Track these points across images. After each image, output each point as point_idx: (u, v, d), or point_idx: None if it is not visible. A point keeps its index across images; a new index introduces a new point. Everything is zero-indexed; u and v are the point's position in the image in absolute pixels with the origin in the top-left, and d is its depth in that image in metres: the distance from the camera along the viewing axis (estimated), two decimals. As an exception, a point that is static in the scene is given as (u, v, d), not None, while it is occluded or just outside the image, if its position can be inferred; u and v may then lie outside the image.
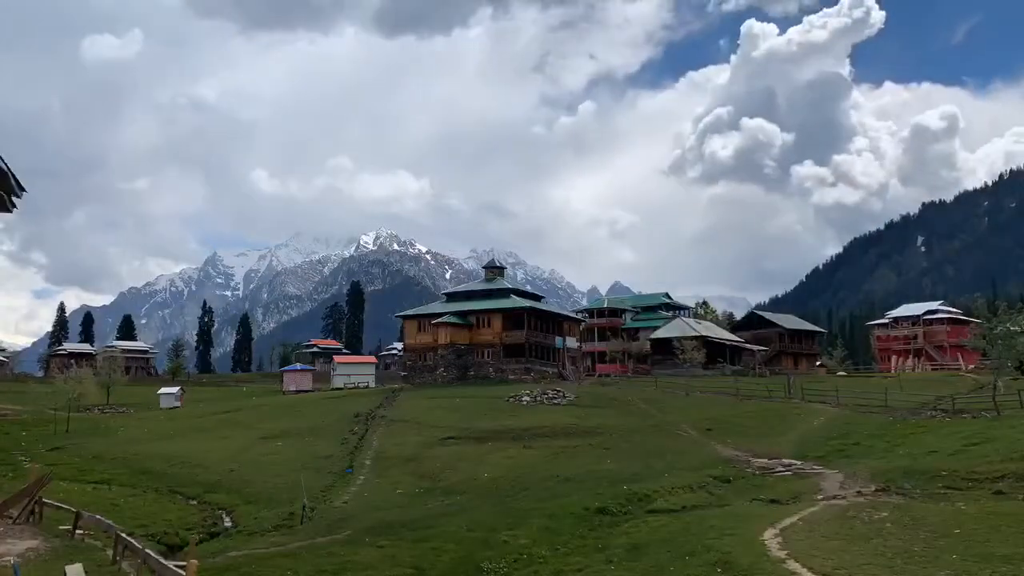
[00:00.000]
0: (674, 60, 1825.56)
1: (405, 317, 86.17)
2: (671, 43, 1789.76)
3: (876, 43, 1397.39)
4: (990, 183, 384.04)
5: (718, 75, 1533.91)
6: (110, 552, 19.57)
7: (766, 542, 17.17)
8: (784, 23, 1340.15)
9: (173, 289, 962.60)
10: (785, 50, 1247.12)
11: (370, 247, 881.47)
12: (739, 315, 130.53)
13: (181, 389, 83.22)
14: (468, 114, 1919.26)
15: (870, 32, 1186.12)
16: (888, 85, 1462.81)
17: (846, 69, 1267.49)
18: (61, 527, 23.44)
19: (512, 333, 75.78)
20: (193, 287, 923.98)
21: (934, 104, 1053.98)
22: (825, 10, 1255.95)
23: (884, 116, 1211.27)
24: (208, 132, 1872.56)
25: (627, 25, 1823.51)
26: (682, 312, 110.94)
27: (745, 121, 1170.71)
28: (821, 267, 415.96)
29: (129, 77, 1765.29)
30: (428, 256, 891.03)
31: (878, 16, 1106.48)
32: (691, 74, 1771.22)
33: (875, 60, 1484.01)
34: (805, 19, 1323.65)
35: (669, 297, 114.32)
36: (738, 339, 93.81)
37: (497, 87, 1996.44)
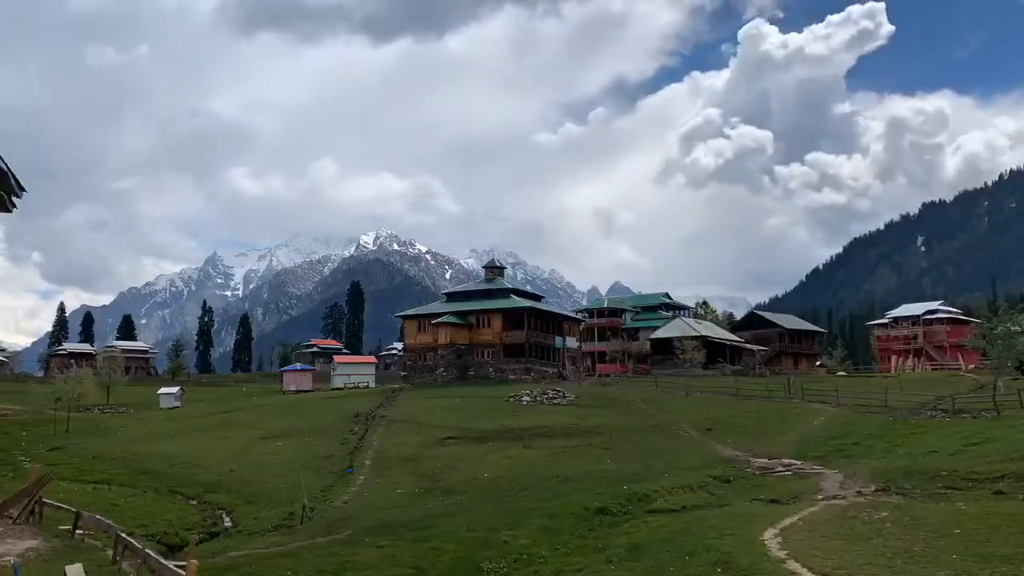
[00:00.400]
0: (688, 66, 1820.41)
1: (405, 317, 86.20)
2: (686, 51, 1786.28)
3: (882, 54, 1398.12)
4: (990, 183, 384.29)
5: (719, 79, 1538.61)
6: (110, 552, 19.57)
7: (766, 542, 17.17)
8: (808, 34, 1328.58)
9: (173, 289, 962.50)
10: (787, 56, 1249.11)
11: (370, 247, 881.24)
12: (739, 315, 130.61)
13: (181, 389, 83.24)
14: (475, 118, 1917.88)
15: (873, 45, 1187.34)
16: (893, 95, 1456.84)
17: (850, 77, 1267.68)
18: (61, 527, 23.44)
19: (512, 333, 75.78)
20: (193, 287, 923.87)
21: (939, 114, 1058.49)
22: (829, 18, 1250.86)
23: (887, 124, 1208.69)
24: (209, 134, 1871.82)
25: (641, 30, 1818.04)
26: (682, 312, 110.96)
27: (744, 127, 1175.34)
28: (821, 267, 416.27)
29: (131, 80, 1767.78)
30: (428, 256, 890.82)
31: (887, 29, 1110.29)
32: (696, 75, 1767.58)
33: (881, 70, 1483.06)
34: (812, 28, 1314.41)
35: (669, 297, 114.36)
36: (738, 339, 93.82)
37: (504, 91, 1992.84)
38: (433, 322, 77.54)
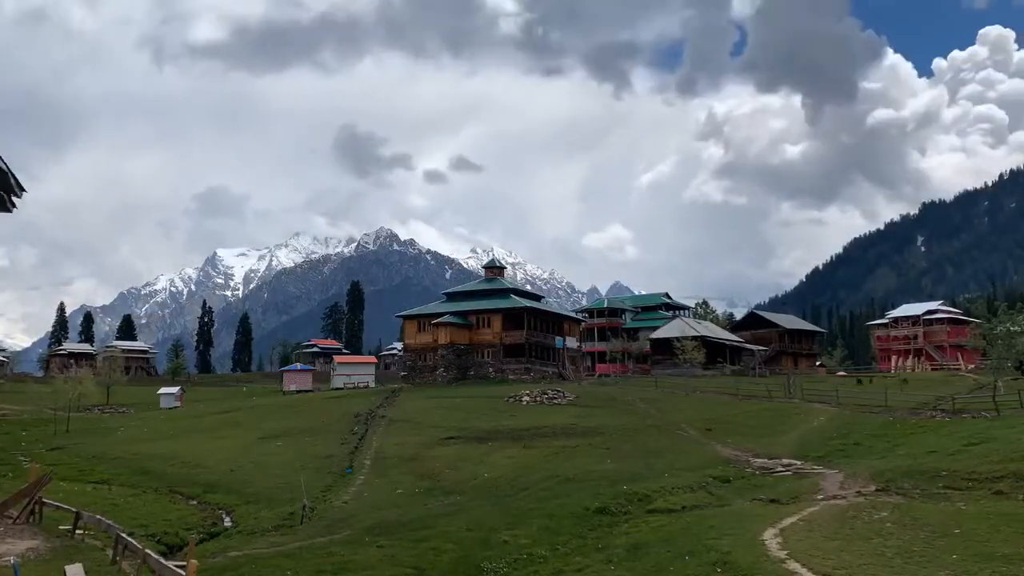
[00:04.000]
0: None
1: (405, 317, 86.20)
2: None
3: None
4: (990, 183, 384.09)
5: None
6: (110, 552, 19.57)
7: (766, 542, 17.16)
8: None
9: (173, 289, 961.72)
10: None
11: (370, 247, 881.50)
12: (739, 315, 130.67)
13: (181, 389, 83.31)
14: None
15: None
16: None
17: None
18: (61, 527, 23.45)
19: (512, 333, 75.78)
20: (193, 287, 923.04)
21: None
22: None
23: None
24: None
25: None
26: (682, 312, 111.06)
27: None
28: (821, 267, 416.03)
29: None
30: (428, 256, 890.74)
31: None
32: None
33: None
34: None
35: (669, 297, 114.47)
36: (738, 339, 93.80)
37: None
38: (433, 322, 77.54)
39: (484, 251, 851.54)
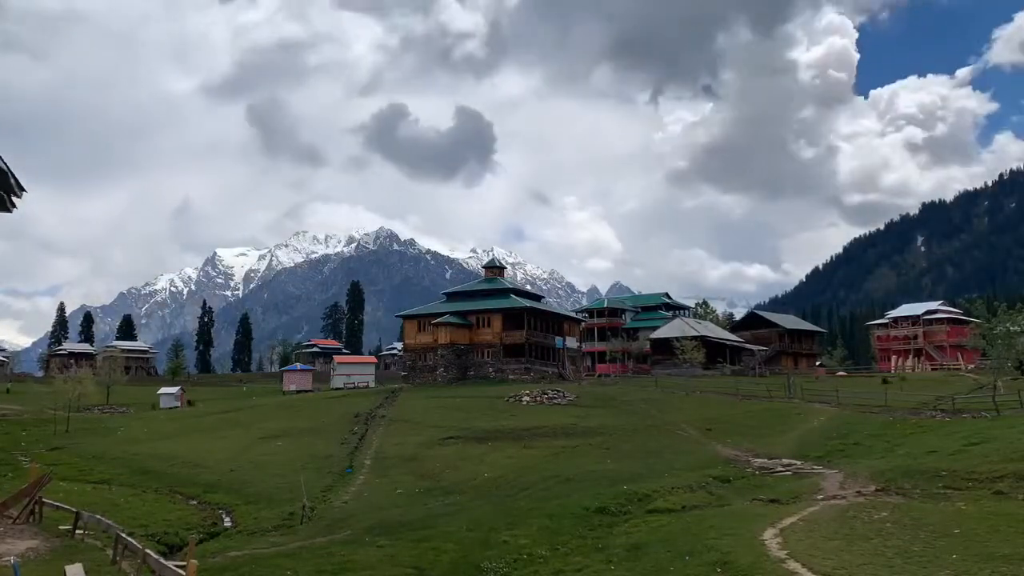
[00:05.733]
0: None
1: (405, 317, 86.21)
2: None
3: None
4: (990, 183, 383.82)
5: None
6: (110, 552, 19.57)
7: (766, 542, 17.16)
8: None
9: (173, 289, 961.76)
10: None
11: (370, 247, 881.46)
12: (739, 315, 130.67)
13: (181, 389, 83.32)
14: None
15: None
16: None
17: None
18: (61, 527, 23.45)
19: (512, 333, 75.78)
20: (193, 287, 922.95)
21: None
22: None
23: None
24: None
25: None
26: (682, 312, 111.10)
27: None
28: (821, 267, 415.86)
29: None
30: (428, 256, 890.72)
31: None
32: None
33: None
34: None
35: (669, 297, 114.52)
36: (738, 339, 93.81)
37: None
38: (433, 322, 77.55)
39: (484, 251, 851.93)
